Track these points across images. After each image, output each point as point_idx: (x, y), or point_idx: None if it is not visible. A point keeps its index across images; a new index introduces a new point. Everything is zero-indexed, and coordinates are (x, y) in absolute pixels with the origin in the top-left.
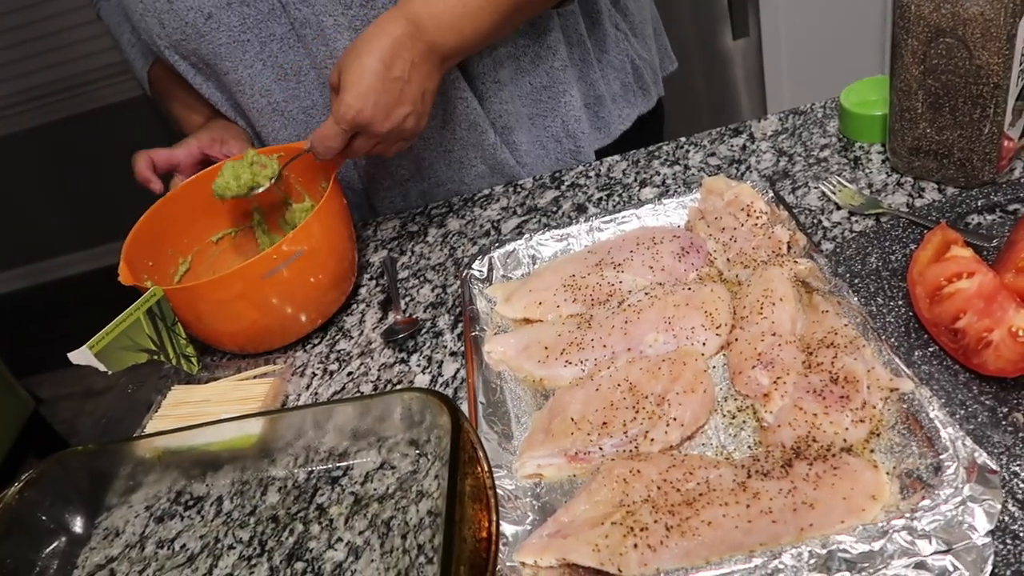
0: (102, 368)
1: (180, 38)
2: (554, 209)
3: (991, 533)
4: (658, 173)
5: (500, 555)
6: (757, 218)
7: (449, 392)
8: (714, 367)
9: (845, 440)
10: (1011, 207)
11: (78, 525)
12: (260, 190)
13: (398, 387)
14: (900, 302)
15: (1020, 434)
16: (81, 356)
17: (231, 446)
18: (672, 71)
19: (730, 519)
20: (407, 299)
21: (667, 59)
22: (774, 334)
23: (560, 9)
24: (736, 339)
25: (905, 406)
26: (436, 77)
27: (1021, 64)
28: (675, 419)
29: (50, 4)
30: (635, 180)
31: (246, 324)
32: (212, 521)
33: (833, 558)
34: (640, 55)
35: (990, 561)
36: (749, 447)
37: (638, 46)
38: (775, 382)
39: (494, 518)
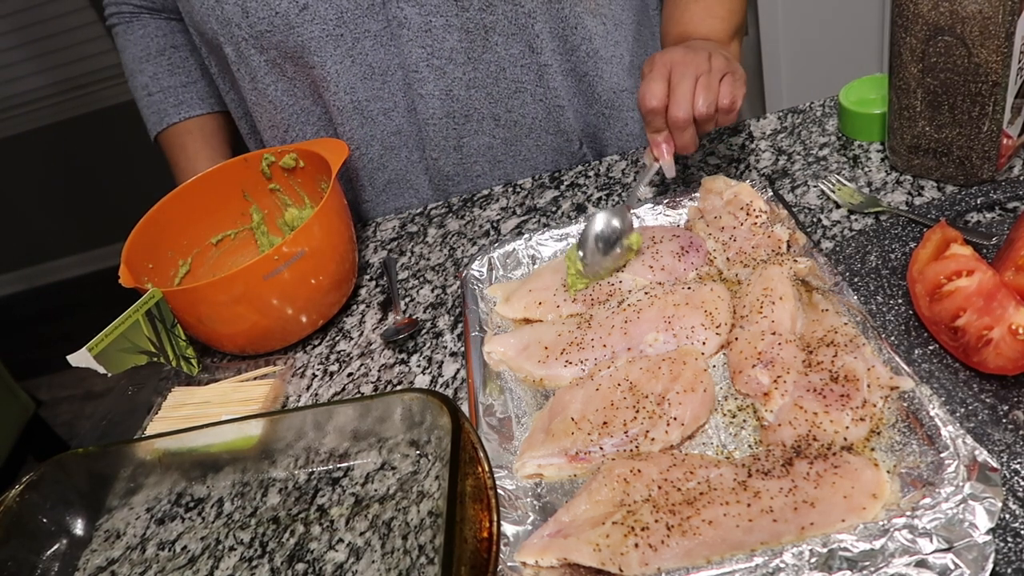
0: (101, 370)
1: (265, 29)
2: (553, 209)
3: (992, 531)
4: (657, 172)
5: (501, 555)
6: (756, 217)
7: (449, 392)
8: (714, 366)
9: (845, 439)
10: (1010, 205)
11: (79, 527)
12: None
13: (398, 388)
14: (900, 300)
15: (1021, 432)
16: (80, 358)
17: (231, 447)
18: None
19: (731, 518)
20: (407, 300)
21: None
22: (774, 333)
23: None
24: (736, 338)
25: (905, 404)
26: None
27: (1020, 62)
28: (675, 418)
29: (50, 6)
30: (634, 179)
31: (247, 326)
32: (213, 523)
33: (834, 556)
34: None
35: (991, 559)
36: (749, 446)
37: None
38: (775, 381)
39: (495, 518)
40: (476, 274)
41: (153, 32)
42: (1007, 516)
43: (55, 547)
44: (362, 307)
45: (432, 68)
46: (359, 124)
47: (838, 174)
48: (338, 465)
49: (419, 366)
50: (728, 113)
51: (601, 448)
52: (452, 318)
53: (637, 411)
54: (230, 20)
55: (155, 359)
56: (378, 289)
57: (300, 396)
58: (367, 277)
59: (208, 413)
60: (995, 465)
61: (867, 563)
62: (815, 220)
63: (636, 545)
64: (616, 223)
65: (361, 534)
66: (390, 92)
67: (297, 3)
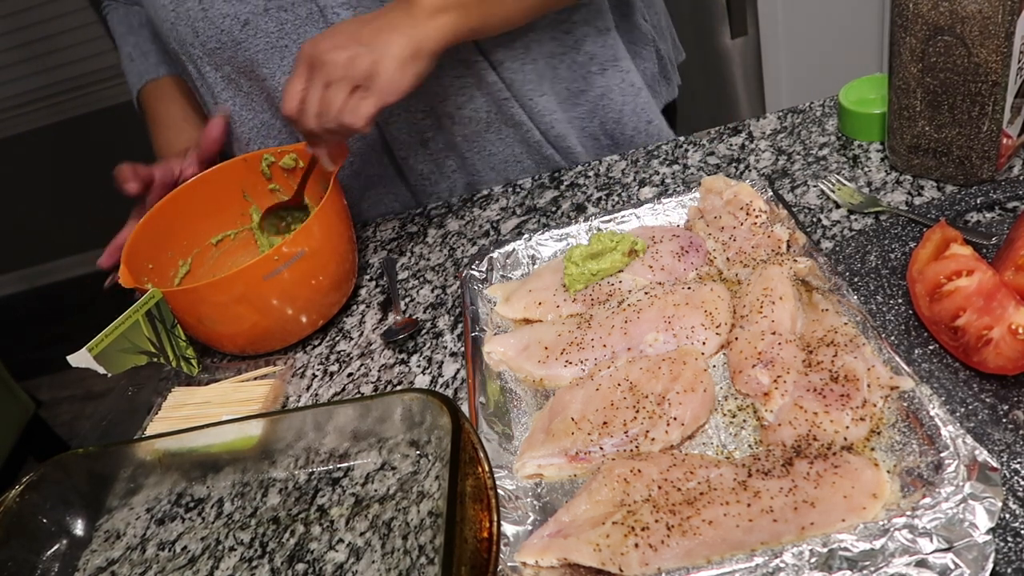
0: (101, 371)
1: (215, 46)
2: (553, 209)
3: (992, 531)
4: (657, 172)
5: (501, 555)
6: (756, 217)
7: (449, 392)
8: (714, 366)
9: (846, 438)
10: (1010, 205)
11: (79, 527)
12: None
13: (398, 388)
14: (900, 300)
15: (1020, 431)
16: (80, 359)
17: (232, 448)
18: (681, 61)
19: (731, 518)
20: (407, 300)
21: (677, 49)
22: (774, 333)
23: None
24: (736, 338)
25: (905, 404)
26: (408, 28)
27: (1020, 62)
28: (675, 418)
29: (48, 7)
30: (634, 179)
31: (247, 326)
32: (213, 523)
33: (834, 556)
34: (661, 45)
35: (991, 559)
36: (750, 446)
37: (659, 37)
38: (775, 381)
39: (495, 518)
40: (476, 274)
41: (138, 10)
42: (1007, 516)
43: (55, 547)
44: (362, 307)
45: None
46: None
47: (838, 174)
48: (338, 465)
49: (419, 366)
50: (349, 133)
51: (601, 448)
52: (452, 318)
53: (637, 411)
54: (184, 39)
55: (155, 359)
56: (378, 289)
57: (300, 396)
58: (367, 277)
59: (208, 413)
60: (995, 465)
61: (867, 563)
62: (815, 220)
63: (636, 545)
64: None
65: (361, 534)
66: None
67: (238, 20)
